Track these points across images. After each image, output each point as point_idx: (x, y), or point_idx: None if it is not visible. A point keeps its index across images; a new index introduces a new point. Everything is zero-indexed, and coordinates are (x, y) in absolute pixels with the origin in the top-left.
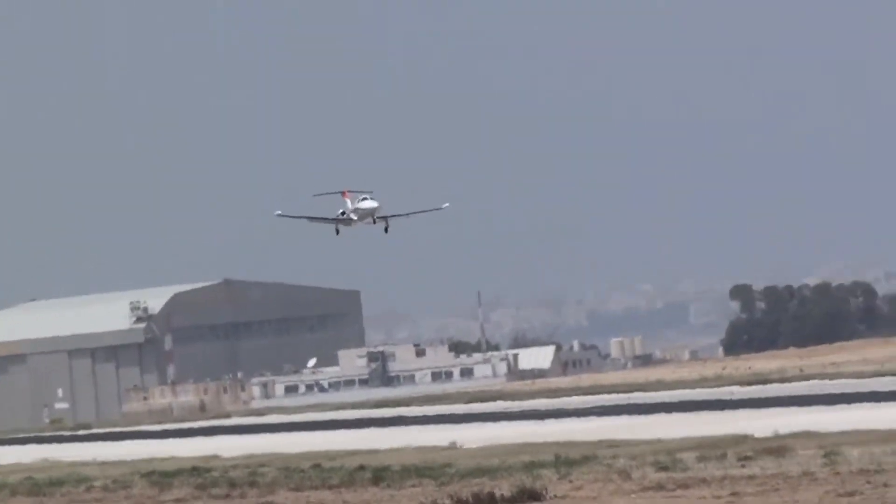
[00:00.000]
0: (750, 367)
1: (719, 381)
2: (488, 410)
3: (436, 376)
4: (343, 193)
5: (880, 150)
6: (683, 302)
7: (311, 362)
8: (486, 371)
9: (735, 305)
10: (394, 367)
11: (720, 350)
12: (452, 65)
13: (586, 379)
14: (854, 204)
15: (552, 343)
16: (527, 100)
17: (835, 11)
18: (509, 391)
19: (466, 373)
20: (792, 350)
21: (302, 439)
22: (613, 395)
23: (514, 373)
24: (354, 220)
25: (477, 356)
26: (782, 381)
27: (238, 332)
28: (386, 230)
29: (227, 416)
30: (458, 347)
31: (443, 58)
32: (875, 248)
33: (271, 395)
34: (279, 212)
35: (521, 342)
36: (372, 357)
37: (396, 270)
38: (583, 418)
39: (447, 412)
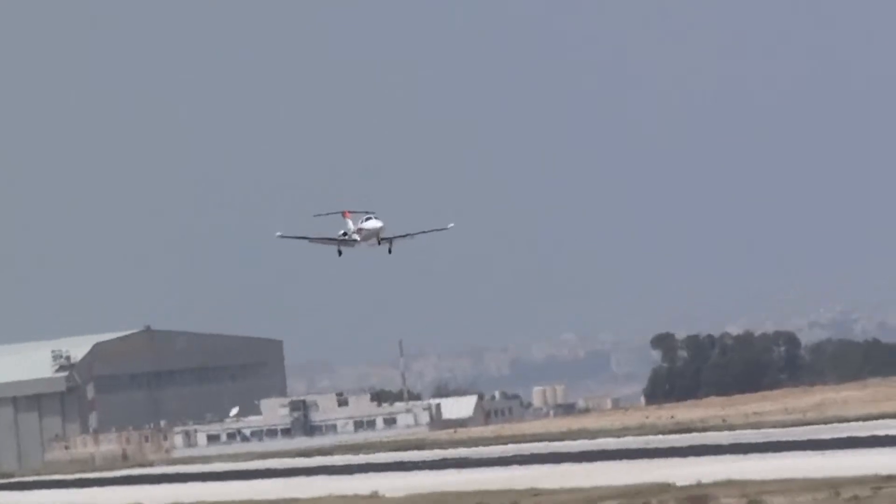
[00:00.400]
0: (672, 416)
1: (642, 429)
2: (411, 459)
3: (358, 425)
4: (344, 214)
5: (802, 202)
6: (605, 351)
7: (234, 411)
8: (409, 420)
9: (657, 354)
10: (316, 417)
11: (642, 399)
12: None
13: (508, 428)
14: (777, 254)
15: (474, 392)
16: (449, 141)
17: None
18: (431, 440)
19: (389, 422)
20: (714, 399)
21: (224, 489)
22: (535, 444)
23: (437, 422)
24: (357, 241)
25: (399, 405)
26: (705, 430)
27: (160, 380)
28: (390, 251)
29: (150, 465)
30: (380, 397)
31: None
32: (798, 297)
33: (193, 444)
34: (280, 233)
35: (443, 391)
36: (294, 406)
37: (319, 319)
38: (505, 467)
39: (369, 461)
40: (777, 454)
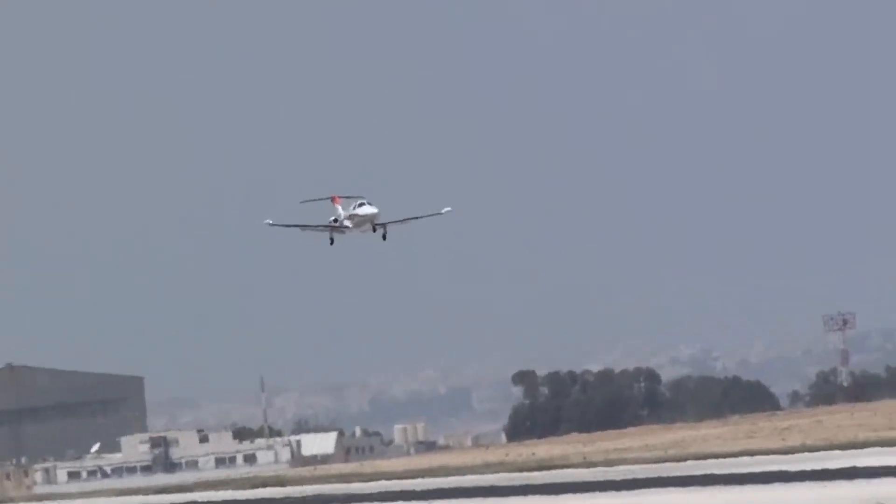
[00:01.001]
0: (533, 453)
1: (502, 467)
2: (271, 496)
3: (219, 462)
4: (333, 199)
5: (666, 240)
6: (466, 387)
7: (95, 448)
8: (269, 457)
9: (518, 391)
10: (176, 453)
11: (503, 436)
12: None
13: (369, 465)
14: (638, 290)
15: (335, 429)
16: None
17: None
18: (292, 477)
19: (249, 458)
20: (575, 436)
21: None
22: (396, 482)
23: (298, 459)
24: (350, 228)
25: (260, 442)
26: (565, 466)
27: (21, 417)
28: (384, 237)
29: (11, 501)
30: (241, 433)
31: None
32: (659, 334)
33: (54, 481)
34: (269, 221)
35: (303, 428)
36: (154, 443)
37: (179, 356)
38: None
39: (230, 498)
40: (636, 491)
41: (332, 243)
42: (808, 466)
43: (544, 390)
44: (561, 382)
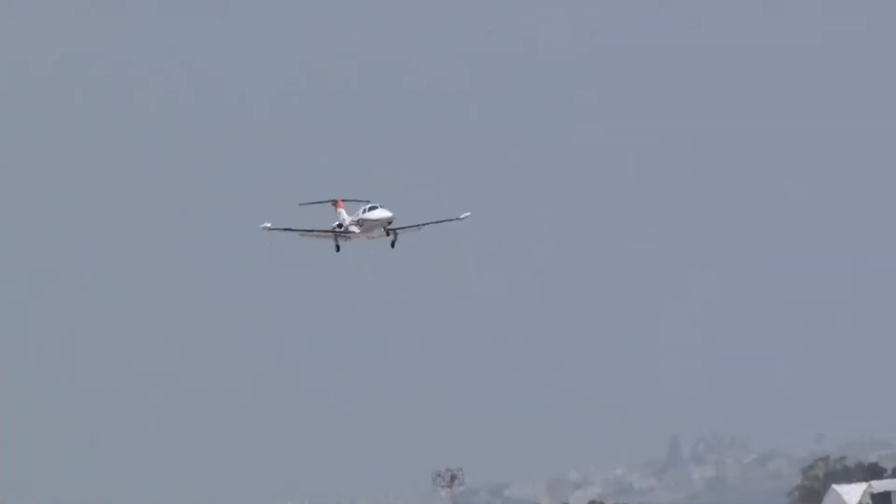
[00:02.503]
0: None
1: None
2: None
3: None
4: (335, 203)
5: None
6: None
7: None
8: None
9: None
10: None
11: None
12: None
13: None
14: None
15: None
16: None
17: None
18: None
19: None
20: None
21: None
22: None
23: None
24: (357, 234)
25: None
26: None
27: None
28: (393, 245)
29: None
30: None
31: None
32: None
33: None
34: (268, 224)
35: None
36: None
37: None
38: None
39: None
40: None
41: (338, 250)
42: None
43: None
44: None
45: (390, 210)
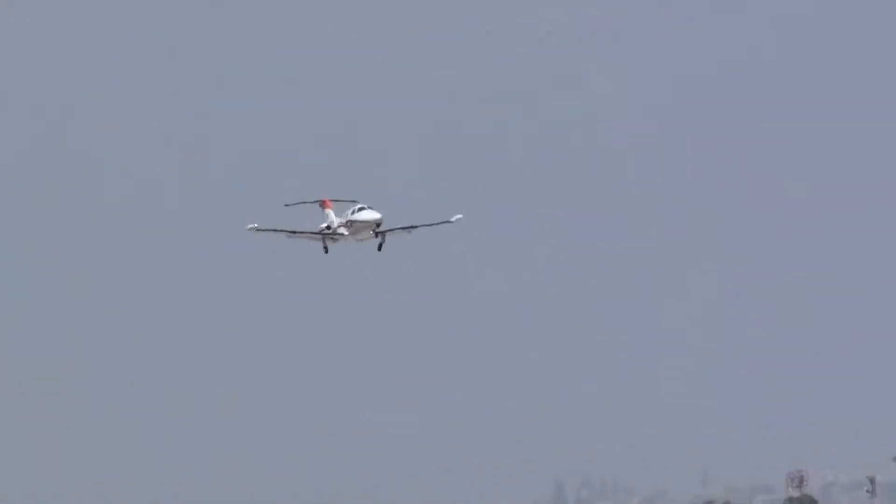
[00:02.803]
0: None
1: None
2: None
3: None
4: (323, 203)
5: None
6: None
7: None
8: None
9: None
10: None
11: None
12: None
13: None
14: None
15: None
16: None
17: None
18: None
19: None
20: None
21: None
22: None
23: None
24: (345, 235)
25: None
26: None
27: None
28: (380, 247)
29: None
30: None
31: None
32: None
33: None
34: (255, 225)
35: None
36: None
37: None
38: None
39: None
40: None
41: (326, 252)
42: None
43: None
44: None
45: (379, 212)
